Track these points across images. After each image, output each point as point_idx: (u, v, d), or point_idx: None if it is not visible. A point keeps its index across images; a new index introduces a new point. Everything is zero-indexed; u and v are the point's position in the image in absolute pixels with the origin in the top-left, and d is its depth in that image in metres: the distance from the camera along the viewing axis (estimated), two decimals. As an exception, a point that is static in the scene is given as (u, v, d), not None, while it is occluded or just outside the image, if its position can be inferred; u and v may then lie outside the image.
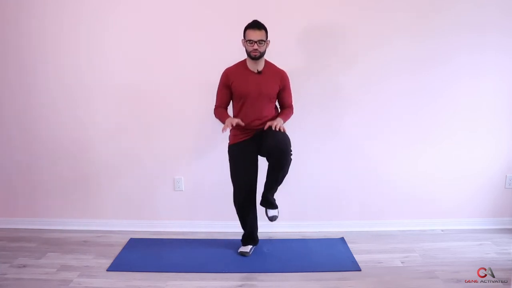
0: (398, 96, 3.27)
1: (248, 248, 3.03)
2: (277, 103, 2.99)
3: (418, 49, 3.20)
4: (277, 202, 3.05)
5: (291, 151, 2.76)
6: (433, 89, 3.26)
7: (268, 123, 2.74)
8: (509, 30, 3.18)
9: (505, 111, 3.30)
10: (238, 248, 3.06)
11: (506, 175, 3.39)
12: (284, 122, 2.86)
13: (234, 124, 2.74)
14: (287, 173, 2.81)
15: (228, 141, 2.95)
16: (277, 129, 2.69)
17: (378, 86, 3.26)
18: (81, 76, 3.28)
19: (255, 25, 2.71)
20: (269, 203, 2.93)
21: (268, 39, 2.76)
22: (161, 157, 3.37)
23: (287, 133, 2.79)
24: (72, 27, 3.21)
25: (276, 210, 2.97)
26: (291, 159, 2.77)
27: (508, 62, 3.23)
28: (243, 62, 2.86)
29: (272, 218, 2.97)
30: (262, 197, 2.93)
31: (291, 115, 2.97)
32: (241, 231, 3.12)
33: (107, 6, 3.18)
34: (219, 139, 3.24)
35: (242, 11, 3.06)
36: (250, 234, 3.07)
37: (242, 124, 2.77)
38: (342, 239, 3.26)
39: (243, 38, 2.76)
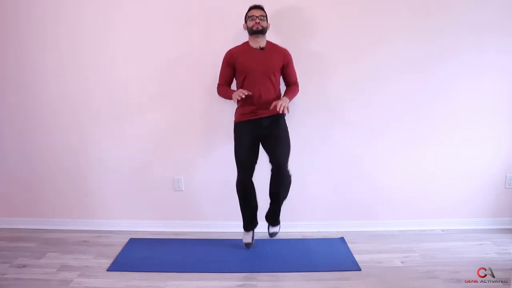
0: (398, 96, 3.27)
1: (250, 238, 3.09)
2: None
3: (418, 49, 3.20)
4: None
5: (289, 171, 2.94)
6: (433, 89, 3.26)
7: (274, 103, 2.80)
8: (509, 30, 3.18)
9: (505, 111, 3.30)
10: (241, 241, 3.13)
11: (506, 175, 3.39)
12: (290, 100, 2.95)
13: (244, 95, 2.80)
14: (289, 187, 3.00)
15: (234, 119, 3.01)
16: (283, 110, 2.79)
17: (378, 86, 3.25)
18: (81, 75, 3.28)
19: (256, 6, 2.92)
20: (274, 218, 3.11)
21: (268, 22, 2.94)
22: (161, 157, 3.37)
23: (289, 129, 2.96)
24: (74, 26, 3.22)
25: (278, 227, 3.17)
26: (290, 179, 2.96)
27: (508, 62, 3.23)
28: (245, 43, 2.98)
29: (272, 235, 3.17)
30: (268, 212, 3.09)
31: (296, 92, 3.04)
32: (242, 230, 3.12)
33: (110, 3, 3.18)
34: (219, 139, 3.25)
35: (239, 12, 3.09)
36: (251, 217, 3.07)
37: (250, 93, 2.83)
38: (342, 239, 3.26)
39: (244, 23, 2.93)
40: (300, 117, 3.23)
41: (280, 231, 3.29)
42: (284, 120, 3.00)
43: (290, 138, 2.96)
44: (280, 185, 2.95)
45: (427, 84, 3.25)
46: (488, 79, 3.25)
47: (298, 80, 3.07)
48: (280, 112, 2.79)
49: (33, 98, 3.33)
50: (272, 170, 2.93)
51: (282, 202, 3.06)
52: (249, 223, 3.09)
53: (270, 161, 2.93)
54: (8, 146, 3.42)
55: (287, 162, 2.92)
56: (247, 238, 3.10)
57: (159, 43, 3.22)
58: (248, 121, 2.92)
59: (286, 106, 2.81)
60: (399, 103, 3.28)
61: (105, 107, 3.32)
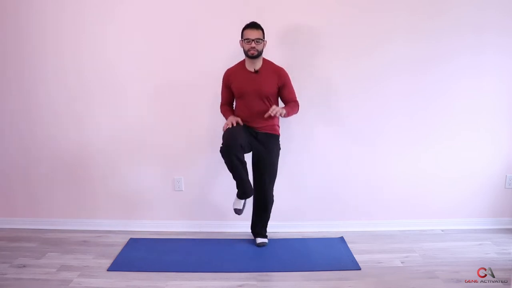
0: (398, 97, 3.27)
1: (241, 205, 2.97)
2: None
3: (418, 50, 3.20)
4: (277, 202, 3.11)
5: (272, 196, 3.06)
6: (433, 89, 3.26)
7: (270, 110, 2.77)
8: (508, 31, 3.18)
9: (505, 111, 3.30)
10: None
11: (506, 175, 3.39)
12: (288, 114, 2.90)
13: (235, 124, 2.83)
14: (271, 209, 3.11)
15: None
16: (275, 115, 2.78)
17: (378, 87, 3.25)
18: (81, 76, 3.27)
19: (253, 25, 2.83)
20: (261, 233, 3.15)
21: (265, 39, 2.87)
22: (161, 157, 3.38)
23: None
24: (73, 25, 3.21)
25: (265, 238, 3.16)
26: (272, 202, 3.08)
27: (507, 63, 3.23)
28: (242, 62, 2.95)
29: (260, 245, 3.13)
30: (255, 229, 3.15)
31: (296, 109, 2.98)
32: (241, 230, 3.13)
33: (110, 2, 3.18)
34: (219, 139, 3.25)
35: (239, 12, 3.09)
36: (244, 184, 2.91)
37: (241, 123, 2.88)
38: (342, 238, 3.26)
39: (240, 39, 2.87)
40: (298, 117, 3.21)
41: (280, 231, 3.29)
42: (278, 143, 3.01)
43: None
44: (263, 210, 3.08)
45: (427, 84, 3.25)
46: (488, 79, 3.25)
47: (296, 77, 3.05)
48: (272, 114, 2.76)
49: (33, 98, 3.32)
50: (256, 196, 3.04)
51: (267, 222, 3.16)
52: (244, 191, 2.92)
53: (255, 187, 3.00)
54: (8, 146, 3.42)
55: (272, 188, 3.04)
56: (238, 204, 2.96)
57: (159, 41, 3.21)
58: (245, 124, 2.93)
59: (279, 111, 2.77)
60: (399, 104, 3.28)
61: (105, 107, 3.31)
